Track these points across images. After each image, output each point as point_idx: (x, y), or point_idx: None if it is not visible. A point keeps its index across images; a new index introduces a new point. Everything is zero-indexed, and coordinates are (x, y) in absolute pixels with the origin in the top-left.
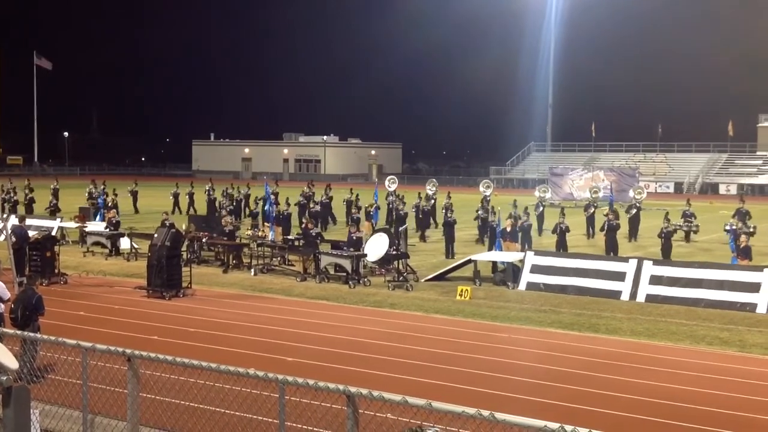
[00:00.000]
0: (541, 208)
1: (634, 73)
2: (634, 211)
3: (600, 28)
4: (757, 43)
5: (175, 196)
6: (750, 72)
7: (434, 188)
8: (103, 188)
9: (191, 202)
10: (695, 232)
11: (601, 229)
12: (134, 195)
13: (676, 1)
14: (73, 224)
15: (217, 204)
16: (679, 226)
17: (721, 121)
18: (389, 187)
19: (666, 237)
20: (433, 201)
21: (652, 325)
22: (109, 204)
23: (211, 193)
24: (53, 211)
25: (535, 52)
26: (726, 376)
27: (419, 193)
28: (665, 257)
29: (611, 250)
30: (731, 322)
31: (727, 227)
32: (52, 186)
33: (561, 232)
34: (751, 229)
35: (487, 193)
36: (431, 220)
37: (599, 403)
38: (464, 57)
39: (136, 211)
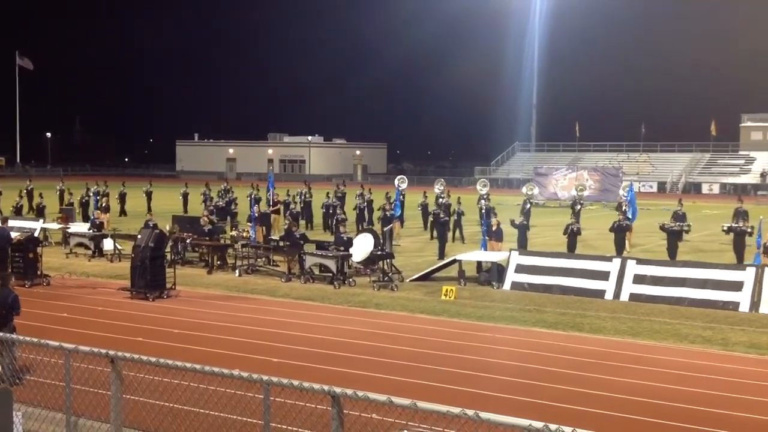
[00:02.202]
0: (528, 206)
1: (618, 74)
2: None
3: (584, 28)
4: (739, 43)
5: (185, 196)
6: (733, 72)
7: (442, 187)
8: (102, 189)
9: (207, 201)
10: (687, 232)
11: (611, 229)
12: (149, 195)
13: (659, 3)
14: (55, 225)
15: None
16: (671, 225)
17: (703, 121)
18: (399, 186)
19: (671, 234)
20: (441, 200)
21: (636, 323)
22: (103, 205)
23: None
24: (18, 211)
25: (520, 53)
26: (709, 374)
27: (424, 192)
28: (671, 257)
29: (620, 250)
30: (714, 320)
31: (725, 227)
32: (57, 187)
33: (572, 234)
34: (749, 229)
35: (483, 192)
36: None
37: (583, 402)
38: (449, 57)
39: (150, 210)
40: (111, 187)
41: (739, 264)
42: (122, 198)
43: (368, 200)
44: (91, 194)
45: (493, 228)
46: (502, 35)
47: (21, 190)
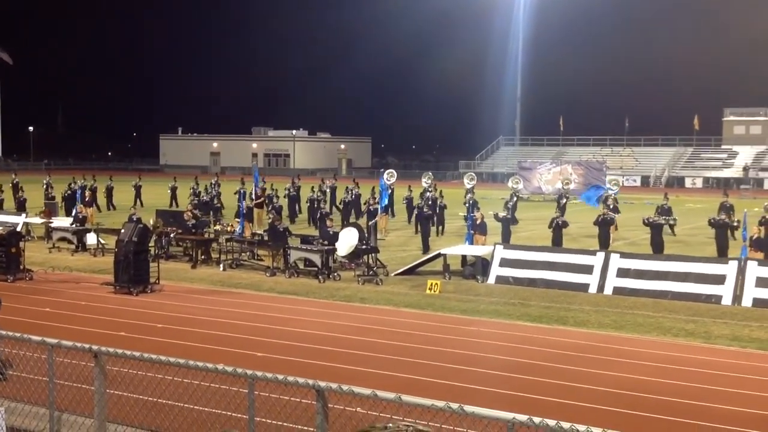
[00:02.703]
0: (515, 199)
1: (602, 68)
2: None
3: (568, 23)
4: (722, 38)
5: (173, 190)
6: (715, 67)
7: (429, 181)
8: (90, 183)
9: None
10: (672, 226)
11: (595, 223)
12: (137, 189)
13: None
14: (38, 220)
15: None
16: (656, 219)
17: (686, 115)
18: (388, 180)
19: (655, 228)
20: (428, 194)
21: (619, 317)
22: (87, 199)
23: (195, 188)
24: None
25: (504, 47)
26: (691, 367)
27: (409, 186)
28: (657, 251)
29: (604, 244)
30: (697, 313)
31: (712, 220)
32: (44, 181)
33: (557, 227)
34: (735, 223)
35: (470, 186)
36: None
37: (567, 395)
38: (433, 52)
39: (141, 204)
40: (99, 181)
41: (722, 257)
42: (109, 192)
43: (356, 194)
44: (78, 188)
45: (478, 221)
46: (486, 29)
47: (1, 184)
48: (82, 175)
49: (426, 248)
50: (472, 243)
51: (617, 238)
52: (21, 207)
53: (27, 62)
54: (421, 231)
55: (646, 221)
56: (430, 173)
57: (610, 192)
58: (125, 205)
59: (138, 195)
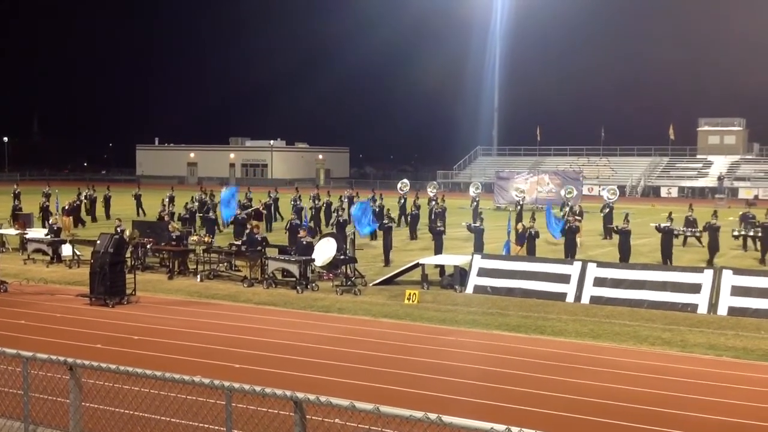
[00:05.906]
0: (519, 208)
1: (578, 79)
2: (607, 210)
3: (545, 34)
4: (696, 48)
5: (171, 199)
6: (690, 77)
7: (435, 190)
8: (91, 192)
9: (204, 206)
10: (698, 238)
11: (562, 231)
12: (138, 199)
13: (617, 8)
14: (12, 231)
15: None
16: (682, 230)
17: (662, 125)
18: (401, 190)
19: (624, 235)
20: (433, 203)
21: (597, 326)
22: (66, 208)
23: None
24: None
25: (481, 57)
26: (668, 375)
27: (381, 195)
28: (623, 259)
29: (570, 252)
30: (673, 322)
31: (735, 233)
32: (43, 191)
33: (530, 237)
34: (760, 234)
35: (475, 194)
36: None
37: (545, 404)
38: (411, 62)
39: (142, 214)
40: (98, 191)
41: (697, 266)
42: (107, 202)
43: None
44: (83, 198)
45: (519, 231)
46: (463, 39)
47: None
48: (86, 186)
49: (388, 262)
50: (510, 252)
51: (582, 243)
52: (15, 216)
53: (1, 71)
54: (383, 243)
55: (615, 229)
56: (435, 182)
57: (608, 200)
58: (122, 215)
59: (139, 205)
